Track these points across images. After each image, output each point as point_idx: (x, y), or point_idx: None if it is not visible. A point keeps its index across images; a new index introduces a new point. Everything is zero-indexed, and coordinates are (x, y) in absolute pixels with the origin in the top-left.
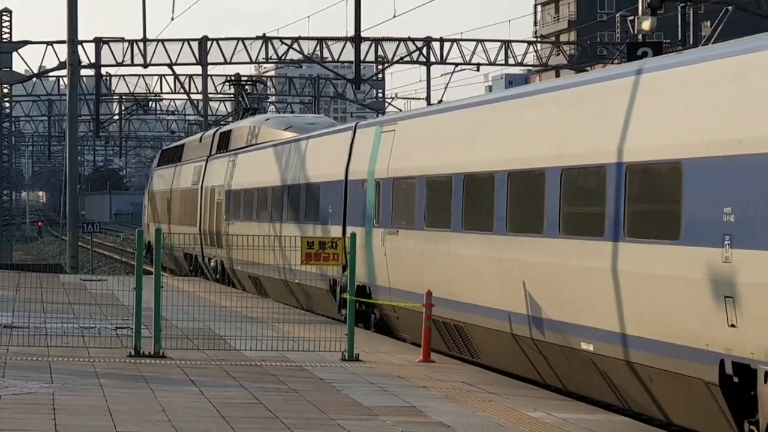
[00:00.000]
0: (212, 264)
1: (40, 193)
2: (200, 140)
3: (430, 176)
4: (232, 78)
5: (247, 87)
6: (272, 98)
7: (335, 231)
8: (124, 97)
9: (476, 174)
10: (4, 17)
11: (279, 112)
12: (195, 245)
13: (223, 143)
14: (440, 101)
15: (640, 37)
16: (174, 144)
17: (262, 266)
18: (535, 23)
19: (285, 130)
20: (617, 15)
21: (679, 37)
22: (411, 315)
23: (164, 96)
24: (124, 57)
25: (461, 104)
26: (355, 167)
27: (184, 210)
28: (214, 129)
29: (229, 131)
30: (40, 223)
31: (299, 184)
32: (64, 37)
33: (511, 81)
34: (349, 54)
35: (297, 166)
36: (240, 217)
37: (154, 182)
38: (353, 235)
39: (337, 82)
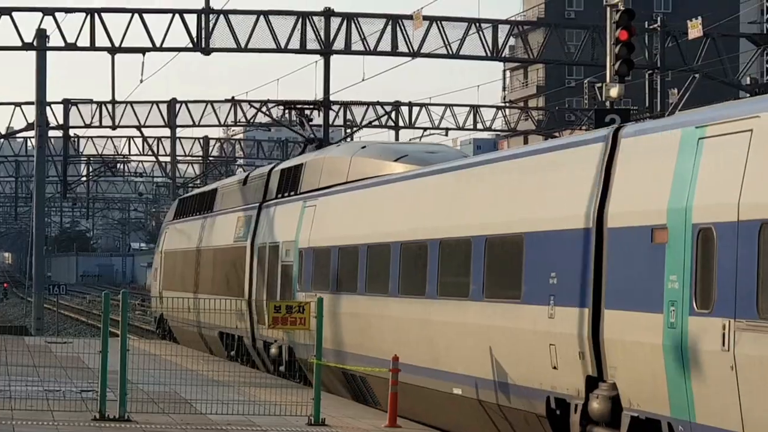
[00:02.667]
0: (272, 351)
1: (6, 254)
2: (244, 182)
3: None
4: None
5: (306, 112)
6: (240, 160)
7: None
8: (91, 158)
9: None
10: None
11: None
12: (240, 323)
13: (288, 183)
14: None
15: (607, 103)
16: (198, 190)
17: (380, 361)
18: (504, 88)
19: (396, 161)
20: (585, 81)
21: (647, 104)
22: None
23: (132, 158)
24: (92, 118)
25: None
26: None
27: (220, 274)
28: (268, 167)
29: (299, 167)
30: (5, 285)
31: (470, 237)
32: (33, 98)
33: (479, 146)
34: (317, 117)
35: (455, 210)
36: (332, 288)
37: (168, 239)
38: (320, 300)
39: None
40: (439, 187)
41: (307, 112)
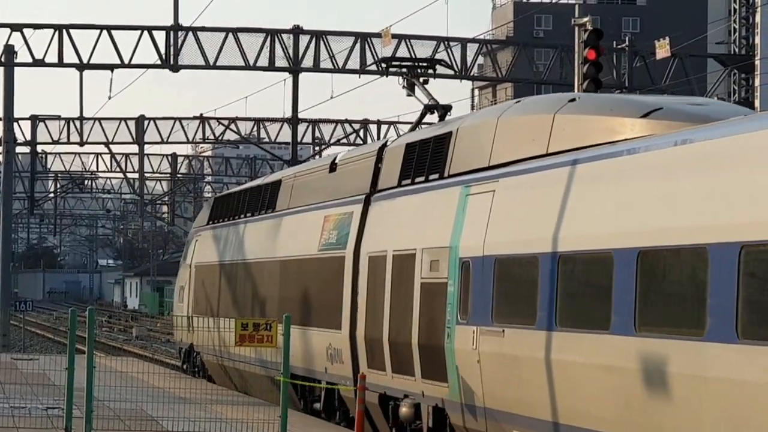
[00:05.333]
0: (403, 410)
1: None
2: (332, 168)
3: None
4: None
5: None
6: (208, 177)
7: None
8: (59, 175)
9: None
10: None
11: (215, 193)
12: (332, 365)
13: (422, 163)
14: None
15: None
16: (248, 184)
17: None
18: (473, 107)
19: (644, 117)
20: None
21: None
22: None
23: (100, 174)
24: (60, 135)
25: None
26: None
27: (294, 296)
28: (371, 145)
29: (443, 138)
30: None
31: None
32: (0, 114)
33: None
34: (286, 135)
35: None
36: (542, 320)
37: (201, 249)
38: (287, 318)
39: (274, 163)
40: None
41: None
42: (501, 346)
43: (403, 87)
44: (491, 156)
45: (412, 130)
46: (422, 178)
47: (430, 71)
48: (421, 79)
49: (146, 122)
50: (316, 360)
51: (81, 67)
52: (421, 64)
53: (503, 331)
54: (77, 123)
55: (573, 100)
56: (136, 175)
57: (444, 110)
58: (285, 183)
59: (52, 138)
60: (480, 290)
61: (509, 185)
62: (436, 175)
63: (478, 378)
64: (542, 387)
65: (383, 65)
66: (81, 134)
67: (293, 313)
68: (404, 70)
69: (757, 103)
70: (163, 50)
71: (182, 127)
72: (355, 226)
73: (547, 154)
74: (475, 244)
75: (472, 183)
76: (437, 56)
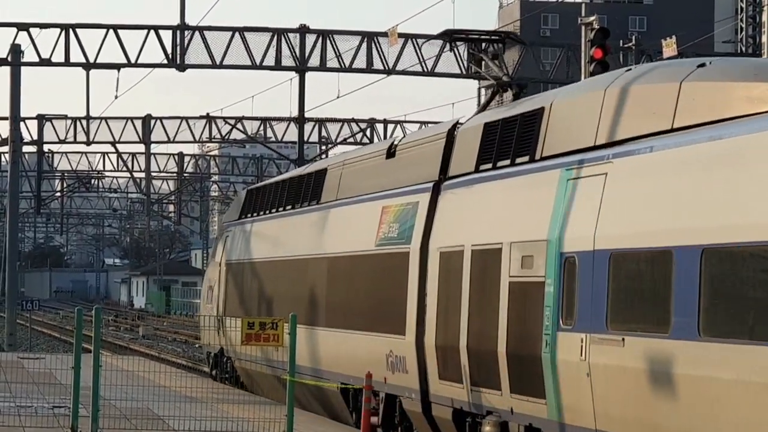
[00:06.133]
0: (487, 429)
1: None
2: (389, 154)
3: None
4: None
5: (493, 46)
6: (215, 177)
7: None
8: (66, 174)
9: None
10: None
11: (222, 193)
12: (396, 372)
13: (506, 144)
14: None
15: None
16: (287, 174)
17: None
18: (479, 106)
19: None
20: None
21: None
22: None
23: (107, 174)
24: (66, 134)
25: None
26: None
27: (345, 296)
28: (439, 126)
29: (532, 115)
30: None
31: None
32: (7, 114)
33: None
34: (292, 134)
35: None
36: (679, 327)
37: (233, 245)
38: (293, 317)
39: (280, 162)
40: None
41: (496, 46)
42: (620, 357)
43: (470, 63)
44: (597, 133)
45: (483, 110)
46: (506, 162)
47: (499, 45)
48: (490, 54)
49: (153, 122)
50: (373, 368)
51: (87, 66)
52: (489, 37)
53: (623, 339)
54: (84, 122)
55: (702, 65)
56: (143, 175)
57: (519, 88)
58: (331, 172)
59: (58, 137)
60: (590, 291)
61: (627, 167)
62: (525, 158)
63: (588, 395)
64: (678, 409)
65: (446, 38)
66: (87, 134)
67: (344, 316)
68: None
69: None
70: (169, 50)
71: (189, 126)
72: (422, 218)
73: (672, 130)
74: (582, 237)
75: (575, 165)
76: (443, 56)
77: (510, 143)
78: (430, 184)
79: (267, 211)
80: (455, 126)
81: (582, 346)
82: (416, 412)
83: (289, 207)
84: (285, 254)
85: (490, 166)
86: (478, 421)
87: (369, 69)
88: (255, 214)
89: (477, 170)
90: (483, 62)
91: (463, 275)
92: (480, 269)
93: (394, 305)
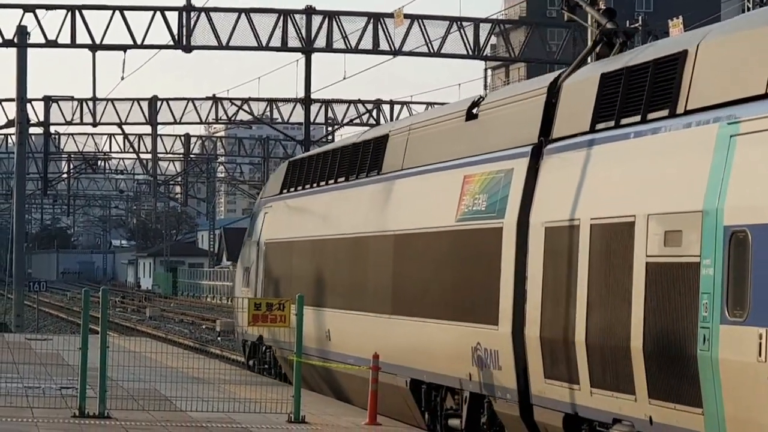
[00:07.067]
0: None
1: None
2: (469, 115)
3: None
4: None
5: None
6: (221, 158)
7: None
8: (72, 155)
9: None
10: None
11: (229, 174)
12: (485, 368)
13: (639, 96)
14: None
15: None
16: (339, 142)
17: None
18: (486, 87)
19: None
20: None
21: None
22: None
23: (113, 155)
24: (73, 116)
25: None
26: None
27: (419, 280)
28: (539, 80)
29: (676, 58)
30: None
31: None
32: (13, 95)
33: None
34: (298, 115)
35: None
36: None
37: (274, 222)
38: (300, 297)
39: (287, 143)
40: None
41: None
42: None
43: (562, 9)
44: None
45: (581, 64)
46: (635, 119)
47: None
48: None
49: (159, 103)
50: (452, 363)
51: (94, 47)
52: None
53: None
54: (90, 104)
55: None
56: (149, 156)
57: (626, 37)
58: (394, 139)
59: (65, 119)
60: None
61: None
62: (662, 113)
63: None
64: None
65: None
66: (94, 115)
67: (415, 302)
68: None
69: None
70: (175, 31)
71: (195, 107)
72: (518, 188)
73: None
74: (757, 207)
75: (743, 119)
76: (450, 36)
77: (640, 96)
78: (528, 148)
79: (315, 184)
80: (556, 80)
81: (762, 344)
82: (512, 415)
83: (342, 179)
84: (339, 232)
85: (611, 124)
86: (599, 430)
87: (375, 50)
88: (300, 188)
89: (593, 130)
90: (579, 7)
91: (580, 255)
92: (603, 247)
93: (481, 290)
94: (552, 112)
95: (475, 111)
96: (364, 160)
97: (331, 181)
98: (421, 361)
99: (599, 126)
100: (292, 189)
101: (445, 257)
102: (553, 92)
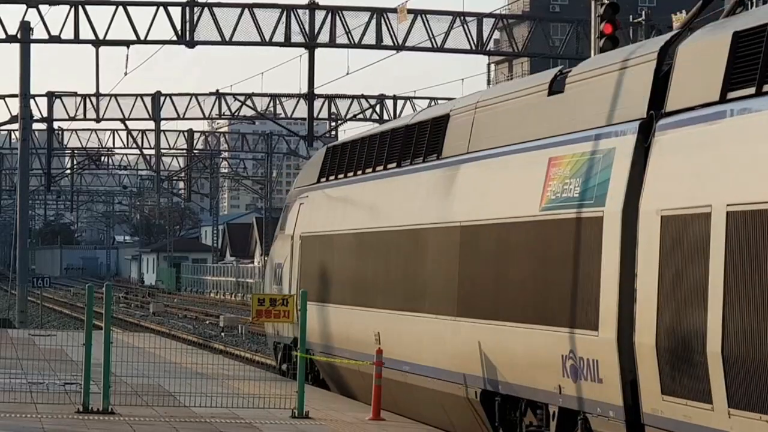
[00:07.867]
0: None
1: None
2: (552, 90)
3: None
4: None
5: None
6: (225, 153)
7: None
8: (76, 151)
9: None
10: None
11: (232, 169)
12: (580, 380)
13: None
14: None
15: None
16: (379, 128)
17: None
18: (489, 82)
19: None
20: None
21: None
22: None
23: (116, 151)
24: (76, 111)
25: None
26: None
27: (494, 278)
28: (644, 44)
29: None
30: None
31: None
32: (16, 91)
33: None
34: (302, 111)
35: None
36: None
37: (310, 214)
38: (304, 293)
39: (290, 139)
40: None
41: None
42: None
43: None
44: None
45: (690, 22)
46: None
47: None
48: None
49: (162, 98)
50: (536, 373)
51: (97, 43)
52: None
53: None
54: (93, 99)
55: None
56: (153, 152)
57: None
58: (456, 119)
59: (68, 114)
60: None
61: None
62: None
63: None
64: None
65: None
66: (97, 111)
67: (489, 303)
68: None
69: None
70: (179, 26)
71: (198, 103)
72: (623, 170)
73: None
74: None
75: None
76: (453, 31)
77: None
78: (635, 124)
79: (359, 171)
80: (669, 43)
81: None
82: None
83: (393, 165)
84: (390, 224)
85: (750, 91)
86: None
87: (378, 45)
88: (341, 176)
89: (723, 99)
90: None
91: (712, 249)
92: (745, 240)
93: (574, 289)
94: (664, 82)
95: (559, 85)
96: (419, 144)
97: (380, 168)
98: (496, 371)
99: (733, 94)
100: (332, 177)
101: (527, 251)
102: (667, 57)
